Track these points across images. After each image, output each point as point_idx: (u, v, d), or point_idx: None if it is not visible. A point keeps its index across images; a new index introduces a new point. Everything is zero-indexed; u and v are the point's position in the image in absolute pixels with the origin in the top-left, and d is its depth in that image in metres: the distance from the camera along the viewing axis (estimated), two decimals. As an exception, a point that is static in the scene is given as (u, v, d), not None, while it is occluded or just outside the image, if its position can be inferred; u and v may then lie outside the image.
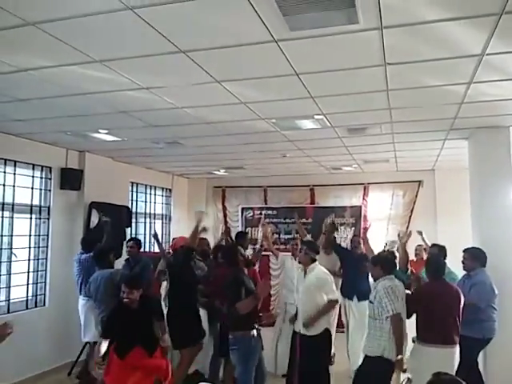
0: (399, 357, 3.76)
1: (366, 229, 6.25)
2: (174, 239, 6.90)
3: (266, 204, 9.64)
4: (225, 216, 9.92)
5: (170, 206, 9.66)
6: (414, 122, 5.05)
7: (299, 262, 4.91)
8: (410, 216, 8.68)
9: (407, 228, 8.46)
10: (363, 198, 9.03)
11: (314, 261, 4.72)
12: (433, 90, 3.87)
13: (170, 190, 9.63)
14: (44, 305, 6.22)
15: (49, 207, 6.32)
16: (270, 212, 9.42)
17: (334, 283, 4.86)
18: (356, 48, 3.02)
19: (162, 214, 9.45)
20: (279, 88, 3.87)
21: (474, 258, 4.81)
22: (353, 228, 8.78)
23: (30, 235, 6.10)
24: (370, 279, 4.76)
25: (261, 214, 9.45)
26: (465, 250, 4.96)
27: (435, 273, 4.29)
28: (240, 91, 3.92)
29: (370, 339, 4.07)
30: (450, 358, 4.02)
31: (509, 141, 5.14)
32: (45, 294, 6.24)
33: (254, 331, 4.30)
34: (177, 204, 9.75)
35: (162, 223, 9.45)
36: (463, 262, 4.92)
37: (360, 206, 8.89)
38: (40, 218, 6.23)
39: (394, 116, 4.71)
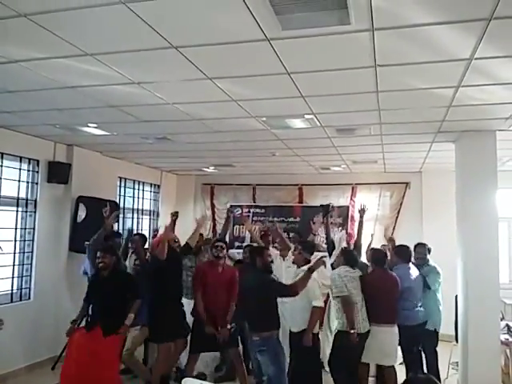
0: (352, 331, 4.52)
1: (362, 211, 6.17)
2: (154, 234, 6.97)
3: (254, 202, 9.66)
4: (213, 213, 9.91)
5: (158, 202, 9.64)
6: (402, 124, 5.11)
7: (293, 262, 4.91)
8: (397, 217, 8.76)
9: (394, 229, 8.57)
10: (351, 199, 9.09)
11: (307, 262, 4.71)
12: (422, 92, 3.91)
13: (159, 186, 9.61)
14: (29, 298, 6.17)
15: (35, 200, 6.27)
16: (258, 210, 9.44)
17: None
18: (347, 49, 3.05)
19: (150, 210, 9.42)
20: (270, 86, 3.89)
21: (398, 254, 5.35)
22: (340, 228, 8.85)
23: (16, 228, 6.05)
24: None
25: (249, 212, 9.48)
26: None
27: (376, 263, 5.04)
28: (231, 89, 3.93)
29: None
30: (390, 335, 4.80)
31: (495, 145, 5.21)
32: (30, 288, 6.19)
33: (280, 330, 4.37)
34: (165, 200, 9.72)
35: (150, 219, 9.42)
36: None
37: (348, 207, 8.95)
38: (26, 211, 6.17)
39: (383, 117, 4.76)
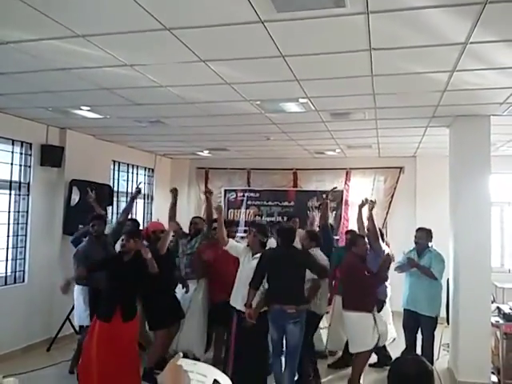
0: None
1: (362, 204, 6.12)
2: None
3: (249, 186, 9.66)
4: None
5: (153, 185, 9.61)
6: (397, 109, 5.10)
7: (247, 245, 4.85)
8: (391, 201, 8.81)
9: (387, 213, 8.62)
10: (345, 183, 9.11)
11: (263, 244, 4.75)
12: (416, 76, 3.90)
13: (153, 169, 9.58)
14: (23, 281, 6.18)
15: (28, 184, 6.24)
16: (252, 194, 9.45)
17: None
18: (342, 32, 3.03)
19: (144, 194, 9.39)
20: (265, 69, 3.86)
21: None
22: (334, 212, 8.89)
23: (9, 211, 6.03)
24: None
25: (243, 196, 9.48)
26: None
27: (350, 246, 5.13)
28: (225, 71, 3.89)
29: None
30: (348, 320, 4.85)
31: (489, 130, 5.23)
32: (24, 271, 6.19)
33: None
34: (159, 184, 9.70)
35: (144, 203, 9.40)
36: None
37: (342, 191, 8.98)
38: (19, 195, 6.14)
39: (377, 102, 4.75)
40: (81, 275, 4.73)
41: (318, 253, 5.10)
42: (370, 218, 5.39)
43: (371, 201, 5.66)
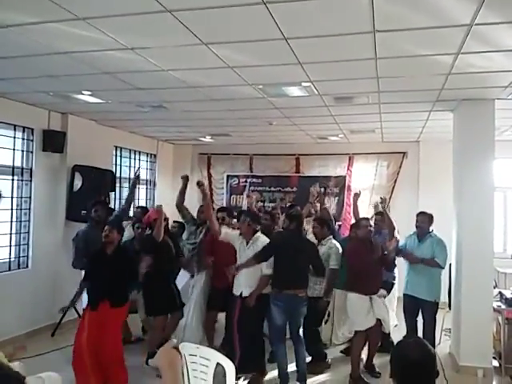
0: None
1: (357, 195, 6.36)
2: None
3: (251, 172, 9.64)
4: (210, 183, 9.87)
5: (155, 171, 9.61)
6: (401, 93, 5.05)
7: (240, 234, 4.88)
8: (393, 187, 8.79)
9: (390, 198, 8.60)
10: (348, 168, 9.09)
11: (255, 231, 4.82)
12: (421, 59, 3.85)
13: (155, 155, 9.56)
14: (27, 267, 6.21)
15: (31, 169, 6.24)
16: (255, 180, 9.45)
17: None
18: (346, 13, 2.98)
19: (147, 180, 9.40)
20: (267, 53, 3.82)
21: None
22: (337, 198, 8.88)
23: (12, 197, 6.04)
24: None
25: (246, 181, 9.47)
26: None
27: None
28: (227, 55, 3.85)
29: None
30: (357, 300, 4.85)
31: (493, 114, 5.17)
32: (27, 256, 6.22)
33: None
34: (161, 170, 9.69)
35: (147, 189, 9.41)
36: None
37: (344, 176, 8.97)
38: (22, 180, 6.15)
39: (381, 85, 4.70)
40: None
41: (334, 245, 5.30)
42: (387, 217, 5.47)
43: (383, 198, 5.78)
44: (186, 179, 5.56)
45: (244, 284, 4.74)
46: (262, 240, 4.77)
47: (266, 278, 4.70)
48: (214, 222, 4.97)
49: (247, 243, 4.79)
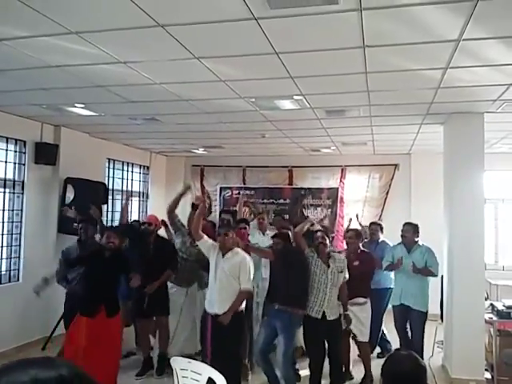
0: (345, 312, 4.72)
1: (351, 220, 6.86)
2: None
3: (244, 184, 9.66)
4: (203, 195, 9.86)
5: (148, 183, 9.60)
6: (391, 106, 5.11)
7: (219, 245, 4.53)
8: (386, 198, 8.84)
9: (382, 210, 8.65)
10: (340, 180, 9.13)
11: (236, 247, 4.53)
12: (410, 73, 3.91)
13: (148, 167, 9.56)
14: (18, 280, 6.16)
15: (23, 182, 6.22)
16: (248, 192, 9.45)
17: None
18: (335, 29, 3.03)
19: (140, 192, 9.39)
20: (259, 67, 3.86)
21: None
22: (329, 209, 8.91)
23: (4, 209, 6.01)
24: None
25: (239, 193, 9.48)
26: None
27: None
28: (219, 69, 3.89)
29: (333, 305, 4.60)
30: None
31: (483, 127, 5.24)
32: (19, 269, 6.18)
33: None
34: (154, 182, 9.69)
35: (140, 201, 9.39)
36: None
37: (337, 188, 9.01)
38: (14, 193, 6.12)
39: (372, 99, 4.75)
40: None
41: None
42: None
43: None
44: (188, 188, 5.58)
45: (218, 299, 4.37)
46: (242, 256, 4.45)
47: (245, 293, 4.41)
48: (200, 223, 4.55)
49: (223, 255, 4.44)
